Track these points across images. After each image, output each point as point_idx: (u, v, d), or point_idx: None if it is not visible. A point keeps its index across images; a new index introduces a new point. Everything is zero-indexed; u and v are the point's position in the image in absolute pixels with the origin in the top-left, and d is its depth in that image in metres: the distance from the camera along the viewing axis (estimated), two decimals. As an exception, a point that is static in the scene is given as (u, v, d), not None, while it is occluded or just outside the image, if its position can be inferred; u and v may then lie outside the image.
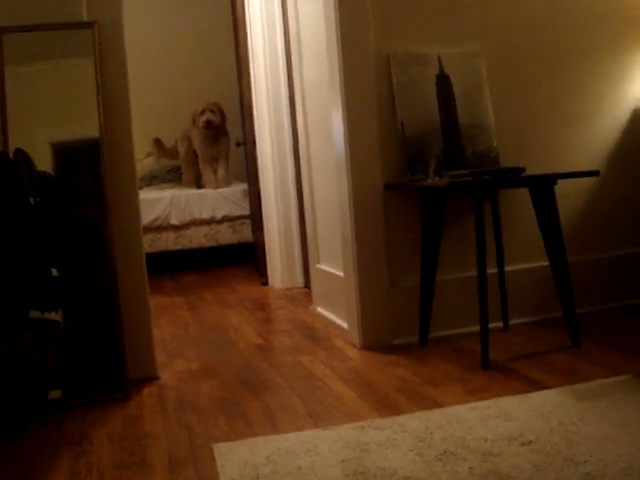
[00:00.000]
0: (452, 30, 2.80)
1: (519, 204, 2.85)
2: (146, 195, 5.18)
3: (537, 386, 2.09)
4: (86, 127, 2.44)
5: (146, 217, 5.00)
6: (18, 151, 2.26)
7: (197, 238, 5.35)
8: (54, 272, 2.31)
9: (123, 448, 1.88)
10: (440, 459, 1.62)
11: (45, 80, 2.48)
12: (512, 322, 2.82)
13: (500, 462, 1.58)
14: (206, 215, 5.34)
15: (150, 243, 5.16)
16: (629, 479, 1.44)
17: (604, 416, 1.78)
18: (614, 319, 2.82)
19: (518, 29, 2.87)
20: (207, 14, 6.18)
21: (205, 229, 5.37)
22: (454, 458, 1.62)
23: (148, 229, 5.10)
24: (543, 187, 2.48)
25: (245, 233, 5.35)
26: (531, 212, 2.55)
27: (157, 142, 5.98)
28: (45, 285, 2.25)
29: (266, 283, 4.46)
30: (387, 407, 2.03)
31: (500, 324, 2.78)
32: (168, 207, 5.29)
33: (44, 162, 2.40)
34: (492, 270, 2.70)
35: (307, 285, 4.12)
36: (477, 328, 2.43)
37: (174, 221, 5.28)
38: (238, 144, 4.94)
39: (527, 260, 2.89)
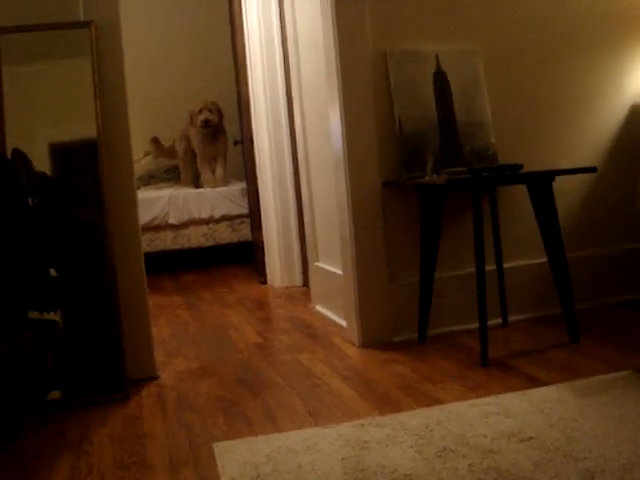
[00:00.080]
0: (449, 28, 2.80)
1: (517, 201, 2.85)
2: (144, 194, 5.18)
3: (536, 382, 2.09)
4: (84, 127, 2.44)
5: (144, 217, 5.01)
6: (16, 152, 2.26)
7: (196, 237, 5.35)
8: (53, 272, 2.32)
9: (123, 448, 1.88)
10: (440, 456, 1.63)
11: (43, 80, 2.47)
12: (511, 319, 2.82)
13: (500, 459, 1.58)
14: (204, 214, 5.34)
15: (149, 243, 5.16)
16: (629, 475, 1.44)
17: (604, 412, 1.78)
18: (613, 315, 2.82)
19: (515, 27, 2.87)
20: (204, 13, 6.18)
21: (204, 228, 5.37)
22: (454, 455, 1.62)
23: (146, 229, 5.10)
24: (541, 184, 2.48)
25: (244, 232, 5.35)
26: (529, 209, 2.56)
27: (155, 141, 5.97)
28: (44, 285, 2.25)
29: (265, 282, 4.46)
30: (387, 405, 2.04)
31: (499, 321, 2.79)
32: (166, 206, 5.29)
33: (42, 162, 2.40)
34: (491, 267, 2.70)
35: (306, 284, 4.12)
36: (476, 325, 2.43)
37: (172, 220, 5.28)
38: (236, 142, 4.94)
39: (526, 257, 2.89)
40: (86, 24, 2.42)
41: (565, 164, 2.89)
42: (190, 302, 4.05)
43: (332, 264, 3.20)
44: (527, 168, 2.62)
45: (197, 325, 3.40)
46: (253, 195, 4.56)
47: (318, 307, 3.43)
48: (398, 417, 1.90)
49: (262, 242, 4.44)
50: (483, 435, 1.72)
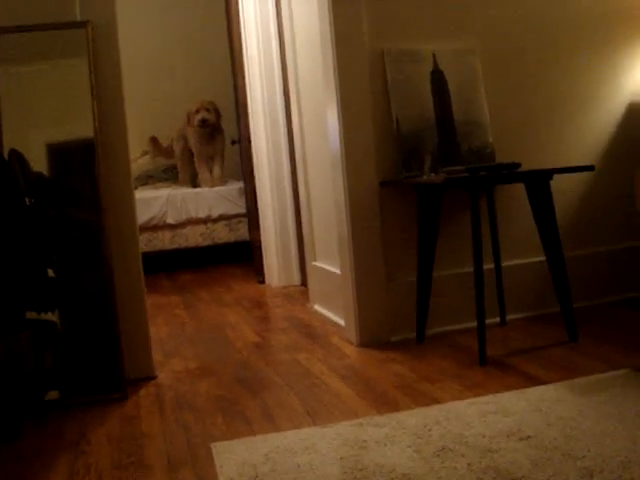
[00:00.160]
0: (447, 27, 2.80)
1: (515, 200, 2.85)
2: (142, 194, 5.17)
3: (535, 381, 2.09)
4: (81, 127, 2.43)
5: (142, 216, 5.00)
6: (13, 152, 2.26)
7: (193, 237, 5.35)
8: (50, 273, 2.31)
9: (121, 448, 1.88)
10: (438, 455, 1.63)
11: (39, 80, 2.47)
12: (509, 318, 2.82)
13: (498, 458, 1.58)
14: (202, 214, 5.34)
15: (146, 242, 5.16)
16: (627, 473, 1.44)
17: (602, 411, 1.78)
18: (611, 314, 2.83)
19: (513, 26, 2.87)
20: (201, 13, 6.17)
21: (201, 228, 5.36)
22: (452, 454, 1.62)
23: (144, 228, 5.10)
24: (539, 182, 2.48)
25: (241, 232, 5.35)
26: (527, 207, 2.56)
27: (154, 141, 5.96)
28: (41, 286, 2.25)
29: (263, 281, 4.46)
30: (385, 404, 2.03)
31: (497, 320, 2.79)
32: (164, 206, 5.28)
33: (39, 162, 2.39)
34: (489, 266, 2.70)
35: (304, 283, 4.12)
36: (474, 324, 2.43)
37: (170, 220, 5.28)
38: (233, 142, 4.94)
39: (524, 255, 2.89)
40: (82, 24, 2.42)
41: (563, 163, 2.89)
42: (188, 302, 4.05)
43: (330, 263, 3.19)
44: (525, 167, 2.62)
45: (195, 325, 3.40)
46: (251, 195, 4.56)
47: (316, 306, 3.43)
48: (396, 416, 1.90)
49: (260, 241, 4.44)
50: (481, 434, 1.72)
